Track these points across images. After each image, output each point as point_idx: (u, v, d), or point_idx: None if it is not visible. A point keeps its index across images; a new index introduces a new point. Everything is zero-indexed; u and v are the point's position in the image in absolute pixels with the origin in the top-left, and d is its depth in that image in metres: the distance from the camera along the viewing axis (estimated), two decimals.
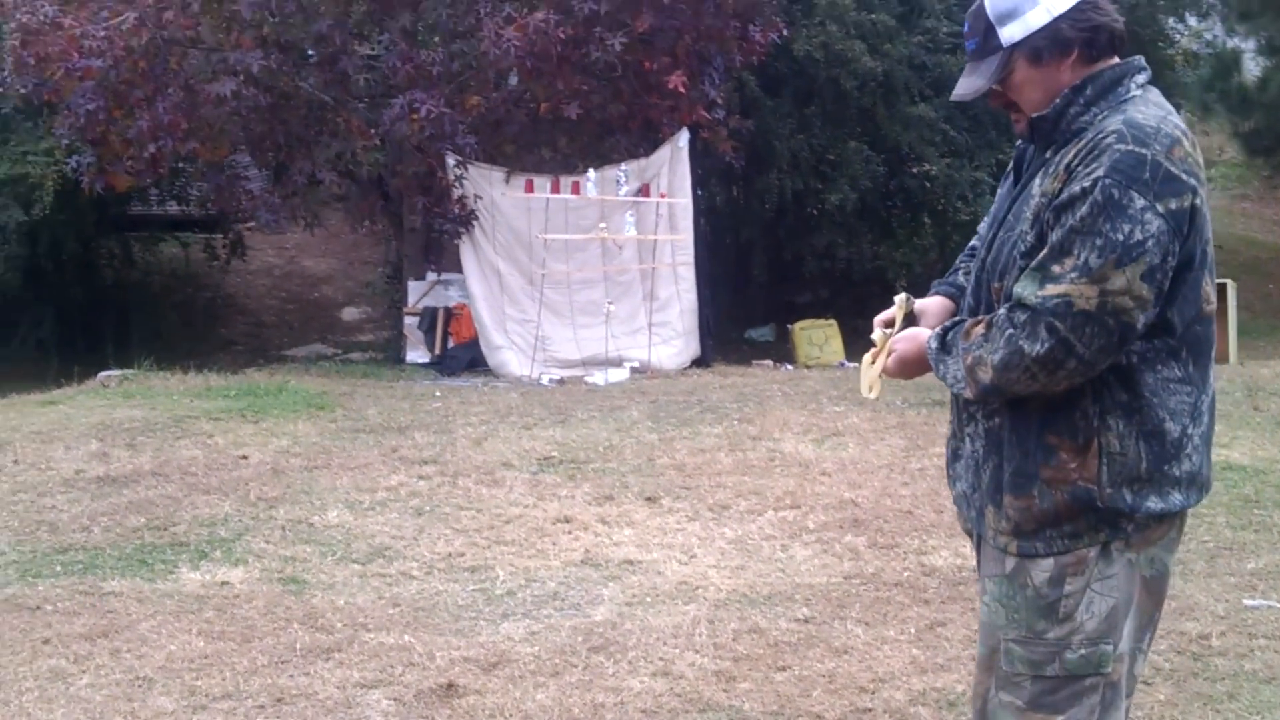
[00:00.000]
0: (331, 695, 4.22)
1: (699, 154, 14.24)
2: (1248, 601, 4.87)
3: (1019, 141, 2.59)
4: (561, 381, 11.28)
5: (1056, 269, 2.28)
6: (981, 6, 2.46)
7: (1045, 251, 2.31)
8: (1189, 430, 2.40)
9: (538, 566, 5.69)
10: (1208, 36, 20.43)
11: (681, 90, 11.62)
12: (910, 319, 2.71)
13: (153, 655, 4.58)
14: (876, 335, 2.70)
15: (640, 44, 11.76)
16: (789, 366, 13.11)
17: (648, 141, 12.79)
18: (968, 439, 2.55)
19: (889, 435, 8.03)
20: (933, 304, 2.76)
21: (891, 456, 7.51)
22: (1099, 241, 2.25)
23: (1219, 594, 5.00)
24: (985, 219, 2.67)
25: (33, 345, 17.16)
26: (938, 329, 2.51)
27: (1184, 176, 2.30)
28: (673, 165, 12.57)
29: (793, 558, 5.74)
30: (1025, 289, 2.31)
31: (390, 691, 4.25)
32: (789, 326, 14.82)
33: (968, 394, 2.43)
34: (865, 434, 8.05)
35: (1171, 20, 19.53)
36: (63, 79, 10.83)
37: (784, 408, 8.87)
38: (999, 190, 2.64)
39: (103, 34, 10.56)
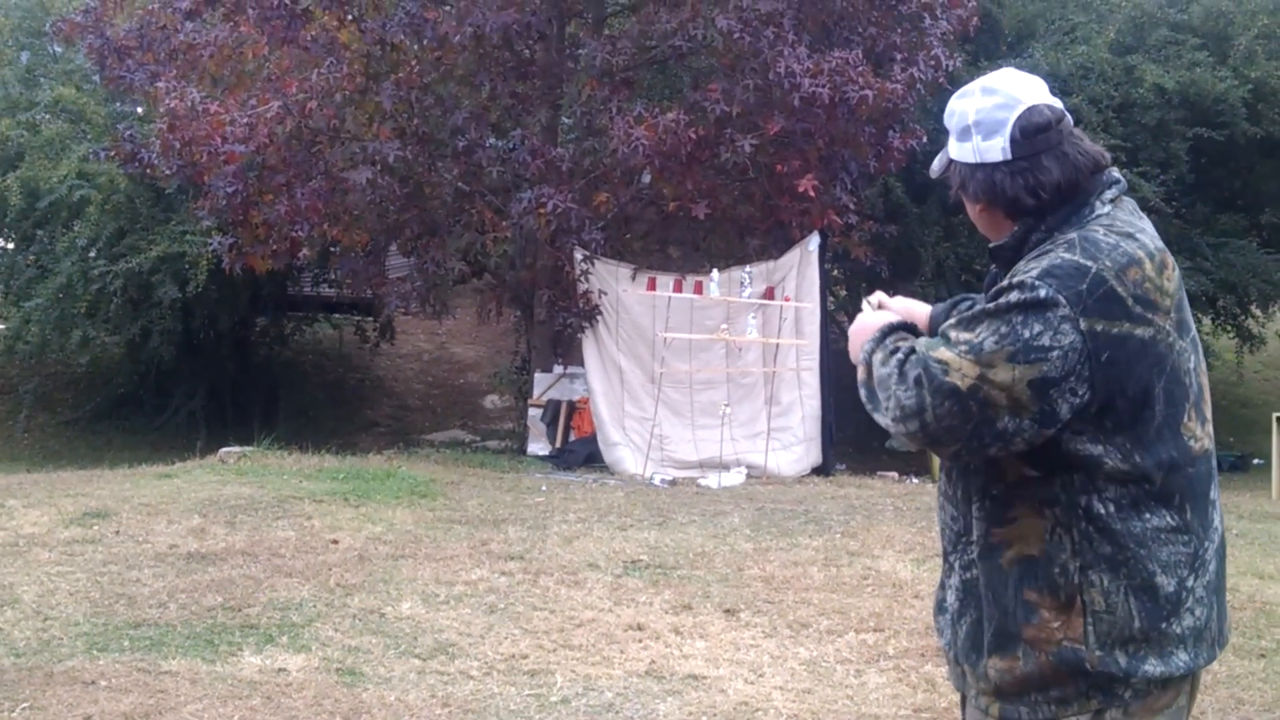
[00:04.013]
0: None
1: (840, 257, 14.07)
2: None
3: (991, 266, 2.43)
4: (674, 483, 11.10)
5: (955, 336, 2.13)
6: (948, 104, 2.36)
7: (955, 318, 2.18)
8: (1188, 583, 2.17)
9: (599, 675, 5.52)
10: None
11: (812, 194, 11.49)
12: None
13: None
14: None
15: (772, 146, 11.71)
16: (914, 479, 12.71)
17: (779, 243, 12.67)
18: (948, 590, 2.35)
19: None
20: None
21: None
22: (1004, 329, 2.09)
23: None
24: None
25: (184, 417, 17.69)
26: (894, 320, 2.37)
27: (1129, 301, 2.10)
28: (801, 269, 12.39)
29: (864, 684, 5.46)
30: (927, 343, 2.18)
31: None
32: None
33: (860, 375, 2.28)
34: None
35: None
36: (206, 162, 11.25)
37: (892, 523, 8.56)
38: None
39: (246, 121, 10.96)
